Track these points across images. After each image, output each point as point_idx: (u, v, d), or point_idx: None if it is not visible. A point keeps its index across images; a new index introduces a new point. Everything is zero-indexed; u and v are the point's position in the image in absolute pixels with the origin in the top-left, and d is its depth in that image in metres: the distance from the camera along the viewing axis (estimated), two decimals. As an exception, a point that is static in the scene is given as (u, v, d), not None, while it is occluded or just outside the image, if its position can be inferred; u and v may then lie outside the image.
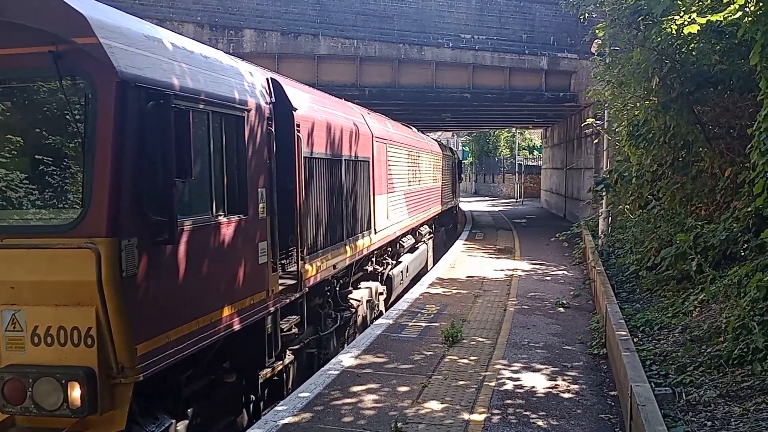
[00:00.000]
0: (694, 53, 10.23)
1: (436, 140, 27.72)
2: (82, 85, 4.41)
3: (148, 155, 4.50)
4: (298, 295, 7.34)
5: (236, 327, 5.78)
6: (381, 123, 13.35)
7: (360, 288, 11.45)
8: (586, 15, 12.97)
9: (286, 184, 7.09)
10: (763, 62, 6.60)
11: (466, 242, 22.48)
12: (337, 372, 7.93)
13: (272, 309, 6.61)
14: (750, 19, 7.01)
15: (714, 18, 8.68)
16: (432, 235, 21.09)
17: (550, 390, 7.26)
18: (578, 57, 22.92)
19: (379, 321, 10.84)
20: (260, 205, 6.29)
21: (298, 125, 7.37)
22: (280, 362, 7.10)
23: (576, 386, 7.41)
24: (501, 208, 41.53)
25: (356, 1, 22.47)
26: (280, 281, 6.98)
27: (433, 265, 18.58)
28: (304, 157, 7.65)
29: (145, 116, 4.48)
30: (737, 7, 7.66)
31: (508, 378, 7.68)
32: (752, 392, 6.08)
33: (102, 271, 4.18)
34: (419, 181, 17.39)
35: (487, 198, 57.14)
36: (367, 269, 12.00)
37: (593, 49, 14.35)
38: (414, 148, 16.85)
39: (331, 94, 12.11)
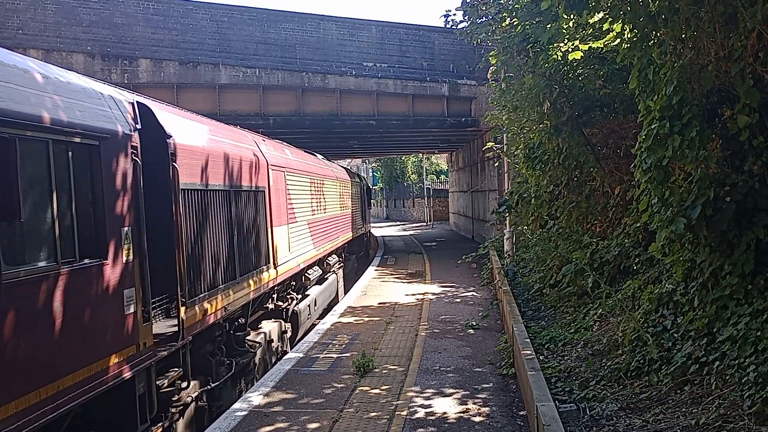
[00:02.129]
0: (580, 78, 10.79)
1: (344, 167, 27.73)
2: None
3: None
4: (178, 345, 6.58)
5: (95, 392, 4.98)
6: (278, 150, 12.84)
7: (260, 328, 10.74)
8: (480, 42, 13.41)
9: (160, 221, 6.41)
10: (641, 86, 6.96)
11: (378, 268, 22.47)
12: (244, 413, 7.60)
13: (145, 365, 5.80)
14: (627, 45, 7.42)
15: (595, 45, 9.22)
16: (342, 264, 20.87)
17: (462, 414, 7.23)
18: (477, 83, 23.74)
19: (289, 355, 10.50)
20: (125, 247, 5.53)
21: (175, 154, 6.72)
22: (159, 425, 6.29)
23: (486, 408, 7.43)
24: (412, 232, 42.04)
25: (257, 30, 22.27)
26: (162, 329, 6.37)
27: (345, 293, 18.36)
28: (184, 190, 6.95)
29: None
30: (615, 34, 8.13)
31: (420, 406, 7.60)
32: (650, 403, 6.29)
33: None
34: (325, 209, 17.10)
35: (398, 222, 57.76)
36: (268, 307, 11.30)
37: (489, 76, 14.85)
38: (317, 176, 16.54)
39: (234, 124, 11.63)
